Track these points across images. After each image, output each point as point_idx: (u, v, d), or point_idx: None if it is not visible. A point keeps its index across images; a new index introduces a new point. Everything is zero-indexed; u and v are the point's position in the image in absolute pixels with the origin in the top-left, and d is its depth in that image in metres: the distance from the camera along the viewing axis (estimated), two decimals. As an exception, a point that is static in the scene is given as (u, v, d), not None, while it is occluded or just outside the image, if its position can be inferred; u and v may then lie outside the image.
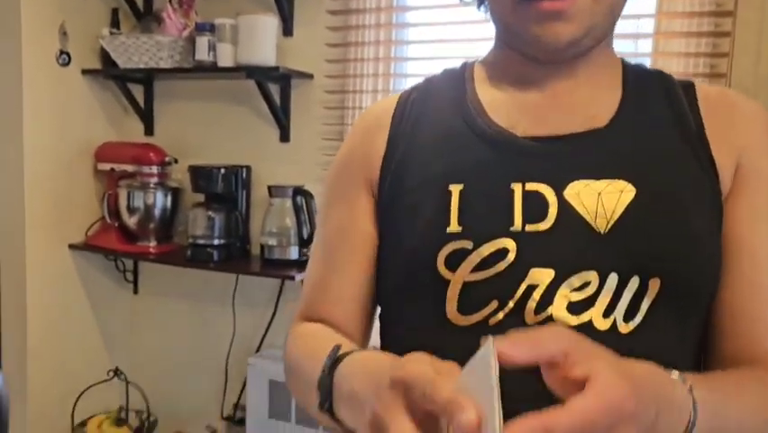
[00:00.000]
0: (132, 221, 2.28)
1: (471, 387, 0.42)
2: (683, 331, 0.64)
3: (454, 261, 0.65)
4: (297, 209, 2.07)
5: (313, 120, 2.15)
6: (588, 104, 0.69)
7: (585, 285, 0.62)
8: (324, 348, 0.64)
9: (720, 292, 0.66)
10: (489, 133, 0.70)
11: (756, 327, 0.64)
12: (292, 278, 2.00)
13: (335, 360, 0.61)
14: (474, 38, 1.88)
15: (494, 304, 0.63)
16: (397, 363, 0.48)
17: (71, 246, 2.32)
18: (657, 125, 0.68)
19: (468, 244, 0.65)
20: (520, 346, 0.43)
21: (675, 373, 0.52)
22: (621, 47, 0.65)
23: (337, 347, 0.63)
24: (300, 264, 2.08)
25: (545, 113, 0.70)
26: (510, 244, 0.64)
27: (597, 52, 0.70)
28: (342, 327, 0.74)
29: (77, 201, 2.34)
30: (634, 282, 0.62)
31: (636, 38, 1.75)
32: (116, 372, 2.33)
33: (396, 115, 0.76)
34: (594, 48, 0.69)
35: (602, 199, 0.64)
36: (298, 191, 2.07)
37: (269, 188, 2.11)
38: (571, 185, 0.65)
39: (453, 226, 0.66)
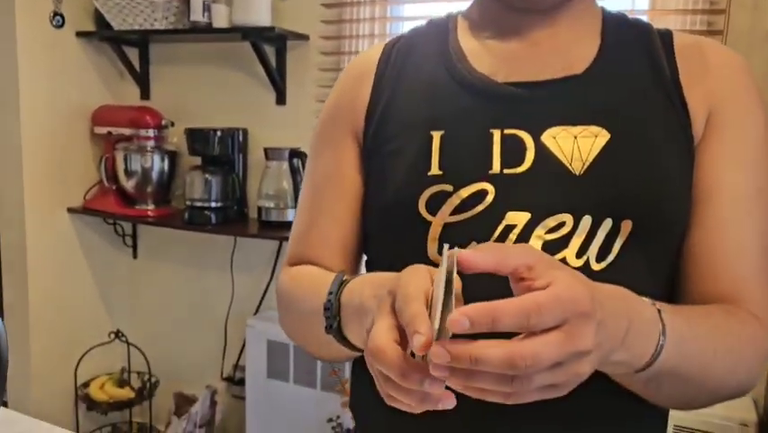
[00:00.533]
0: (129, 184, 2.29)
1: (436, 293, 0.45)
2: (654, 271, 0.66)
3: (435, 203, 0.67)
4: (293, 171, 2.08)
5: (309, 82, 2.14)
6: (567, 52, 0.71)
7: (560, 226, 0.64)
8: (323, 282, 0.66)
9: (689, 234, 0.67)
10: (470, 80, 0.71)
11: (722, 265, 0.65)
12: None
13: (341, 283, 0.63)
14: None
15: (473, 245, 0.65)
16: (399, 275, 0.51)
17: (70, 210, 2.33)
18: (633, 72, 0.69)
19: (448, 188, 0.67)
20: (484, 255, 0.45)
21: (645, 299, 0.55)
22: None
23: (342, 272, 0.66)
24: (297, 226, 2.09)
25: (525, 60, 0.71)
26: (489, 187, 0.66)
27: (576, 4, 0.72)
28: (329, 270, 0.76)
29: (75, 165, 2.35)
30: (607, 224, 0.64)
31: (634, -5, 1.74)
32: (117, 334, 2.36)
33: (381, 64, 0.78)
34: (571, 0, 0.71)
35: (578, 143, 0.65)
36: (295, 153, 2.08)
37: (266, 150, 2.11)
38: (548, 130, 0.67)
39: (434, 170, 0.68)
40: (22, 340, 2.28)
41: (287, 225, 2.08)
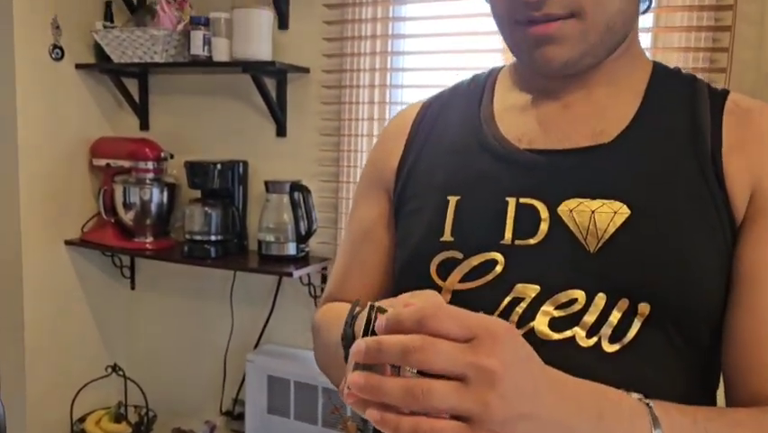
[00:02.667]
0: (128, 217, 2.26)
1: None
2: (675, 358, 0.62)
3: (446, 269, 0.67)
4: (294, 205, 2.06)
5: (310, 115, 2.13)
6: (599, 116, 0.68)
7: (571, 302, 0.62)
8: (343, 315, 0.66)
9: (732, 318, 0.61)
10: (493, 145, 0.70)
11: None
12: (290, 274, 1.99)
13: (356, 315, 0.62)
14: (471, 31, 1.86)
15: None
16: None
17: (67, 242, 2.31)
18: (668, 143, 0.65)
19: (458, 255, 0.67)
20: (386, 327, 0.45)
21: (634, 394, 0.51)
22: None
23: (357, 301, 0.65)
24: (298, 260, 2.07)
25: (554, 125, 0.69)
26: (498, 257, 0.65)
27: (616, 61, 0.68)
28: None
29: (73, 197, 2.33)
30: (623, 303, 0.61)
31: (636, 32, 1.74)
32: (114, 367, 2.32)
33: (415, 123, 0.79)
34: (609, 58, 0.67)
35: (595, 218, 0.63)
36: (295, 187, 2.06)
37: (266, 183, 2.10)
38: (565, 202, 0.64)
39: (446, 236, 0.68)
40: (18, 374, 2.24)
41: (287, 260, 2.07)
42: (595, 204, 0.63)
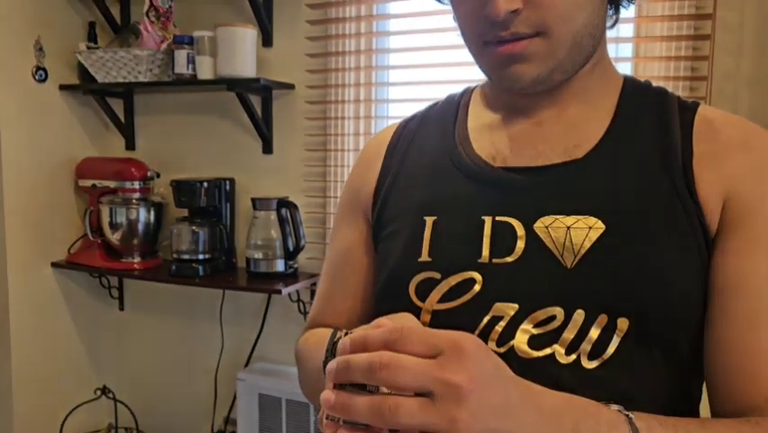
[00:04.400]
0: (115, 237, 2.25)
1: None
2: (655, 372, 0.61)
3: (424, 289, 0.67)
4: (281, 221, 2.05)
5: (295, 131, 2.13)
6: (571, 132, 0.68)
7: (550, 320, 0.62)
8: (325, 342, 0.67)
9: (714, 329, 0.61)
10: (467, 164, 0.71)
11: (757, 364, 0.58)
12: (279, 291, 1.98)
13: (336, 341, 0.63)
14: (456, 45, 1.87)
15: None
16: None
17: (54, 264, 2.29)
18: (639, 157, 0.65)
19: (436, 275, 0.67)
20: (351, 348, 0.45)
21: (614, 406, 0.52)
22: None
23: (336, 330, 0.66)
24: (287, 277, 2.06)
25: (528, 142, 0.69)
26: (476, 276, 0.65)
27: (586, 76, 0.69)
28: None
29: (59, 219, 2.31)
30: (602, 319, 0.60)
31: (617, 42, 1.75)
32: (104, 390, 2.30)
33: (390, 145, 0.80)
34: (579, 73, 0.68)
35: (571, 234, 0.63)
36: (283, 203, 2.05)
37: (253, 200, 2.09)
38: (541, 219, 0.64)
39: (424, 257, 0.68)
40: (5, 399, 2.21)
41: (276, 276, 2.06)
42: (570, 220, 0.63)
